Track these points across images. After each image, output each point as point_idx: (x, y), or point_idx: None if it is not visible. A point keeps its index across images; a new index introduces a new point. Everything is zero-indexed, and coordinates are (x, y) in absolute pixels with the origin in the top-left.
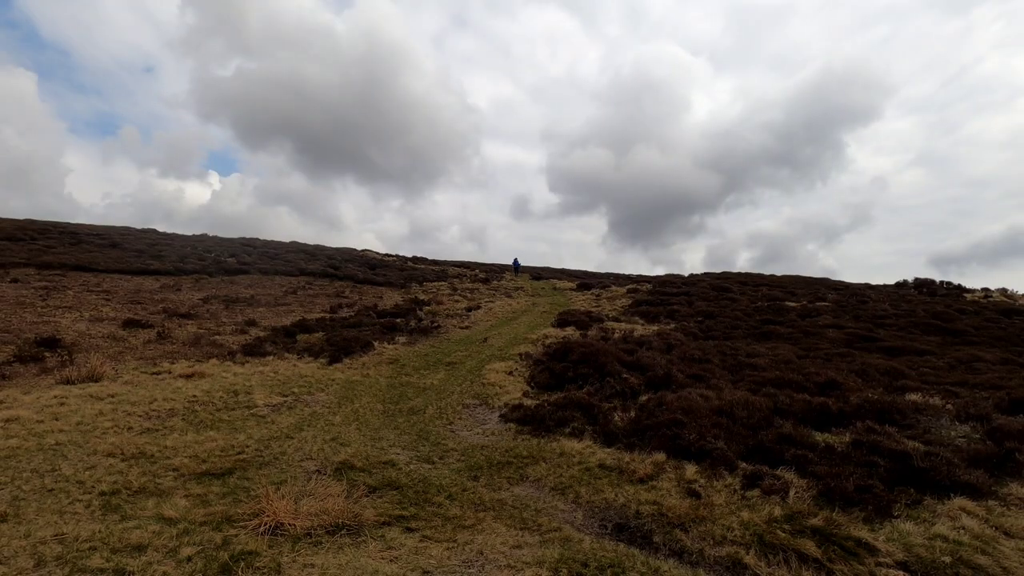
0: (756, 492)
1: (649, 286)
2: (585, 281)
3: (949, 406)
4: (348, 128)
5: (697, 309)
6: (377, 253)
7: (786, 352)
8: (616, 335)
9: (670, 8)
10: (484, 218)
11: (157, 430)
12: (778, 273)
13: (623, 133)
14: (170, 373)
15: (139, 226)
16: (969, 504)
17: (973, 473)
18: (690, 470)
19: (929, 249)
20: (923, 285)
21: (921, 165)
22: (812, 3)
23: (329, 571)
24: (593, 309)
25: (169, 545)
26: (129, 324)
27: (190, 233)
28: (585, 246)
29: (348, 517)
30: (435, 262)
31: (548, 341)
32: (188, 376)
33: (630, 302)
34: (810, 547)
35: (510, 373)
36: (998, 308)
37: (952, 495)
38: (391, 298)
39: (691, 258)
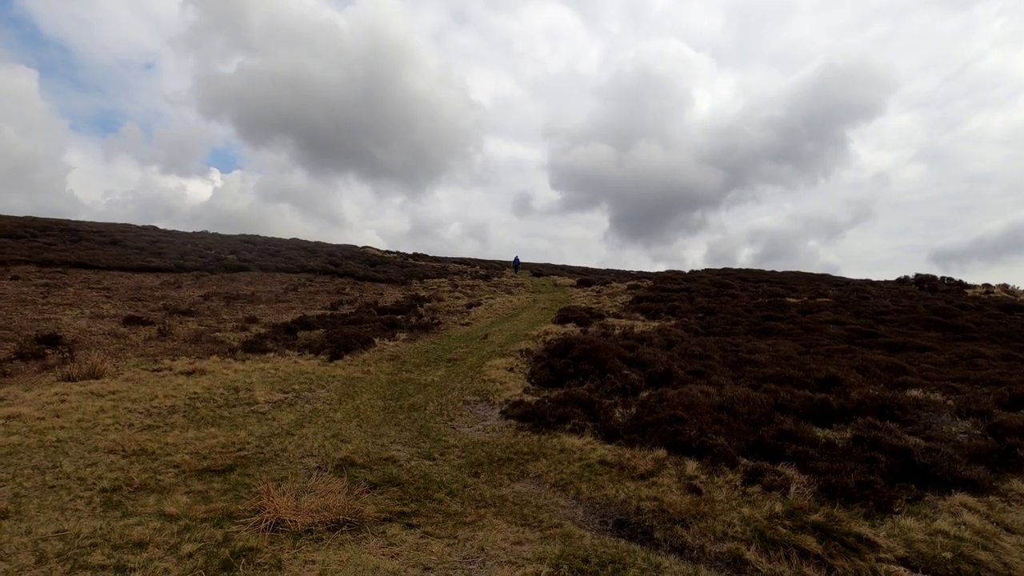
0: (757, 488)
1: (650, 282)
2: (586, 278)
3: (950, 402)
4: (350, 125)
5: (698, 305)
6: (378, 250)
7: (787, 348)
8: (617, 331)
9: (670, 4)
10: (486, 215)
11: (158, 427)
12: (779, 269)
13: (625, 129)
14: (171, 370)
15: (140, 223)
16: (970, 500)
17: (974, 469)
18: (691, 466)
19: (930, 245)
20: (924, 281)
21: (923, 161)
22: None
23: (330, 567)
24: (594, 305)
25: (170, 542)
26: (130, 321)
27: (191, 230)
28: (586, 243)
29: (349, 513)
30: (436, 259)
31: (549, 337)
32: (189, 373)
33: (631, 298)
34: (811, 543)
35: (511, 369)
36: (999, 304)
37: (953, 491)
38: (392, 295)
39: (692, 254)
